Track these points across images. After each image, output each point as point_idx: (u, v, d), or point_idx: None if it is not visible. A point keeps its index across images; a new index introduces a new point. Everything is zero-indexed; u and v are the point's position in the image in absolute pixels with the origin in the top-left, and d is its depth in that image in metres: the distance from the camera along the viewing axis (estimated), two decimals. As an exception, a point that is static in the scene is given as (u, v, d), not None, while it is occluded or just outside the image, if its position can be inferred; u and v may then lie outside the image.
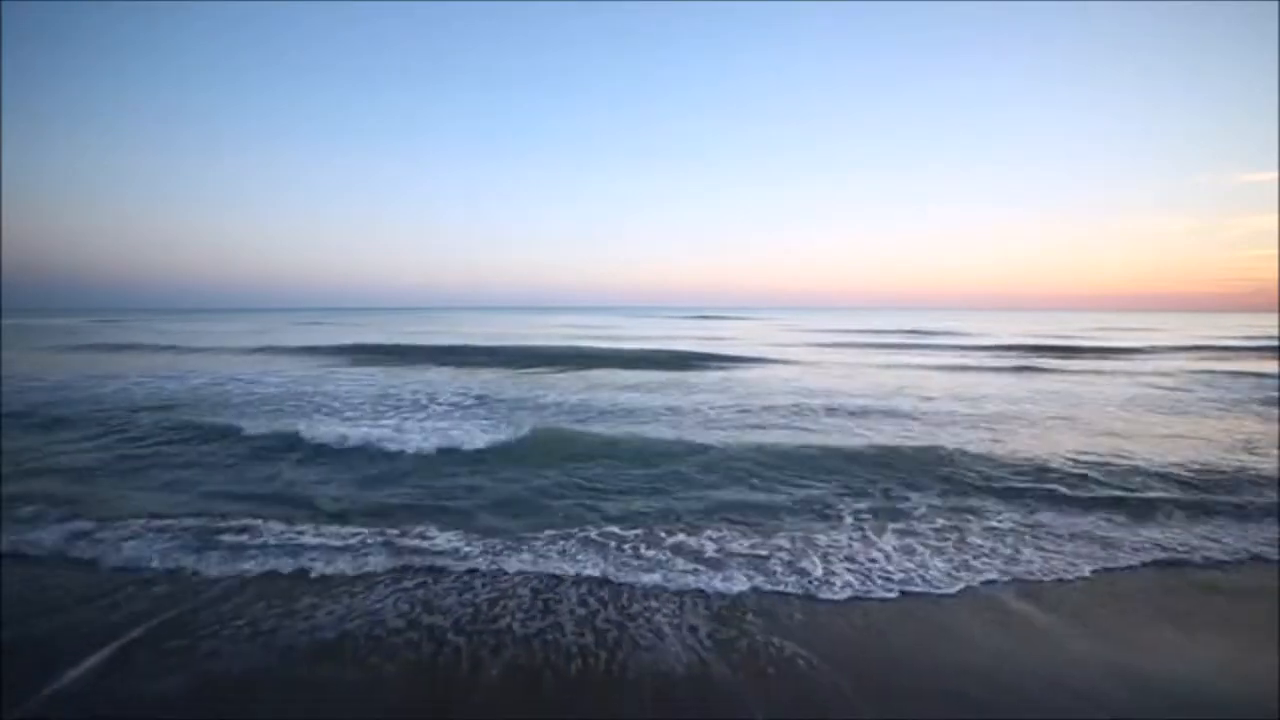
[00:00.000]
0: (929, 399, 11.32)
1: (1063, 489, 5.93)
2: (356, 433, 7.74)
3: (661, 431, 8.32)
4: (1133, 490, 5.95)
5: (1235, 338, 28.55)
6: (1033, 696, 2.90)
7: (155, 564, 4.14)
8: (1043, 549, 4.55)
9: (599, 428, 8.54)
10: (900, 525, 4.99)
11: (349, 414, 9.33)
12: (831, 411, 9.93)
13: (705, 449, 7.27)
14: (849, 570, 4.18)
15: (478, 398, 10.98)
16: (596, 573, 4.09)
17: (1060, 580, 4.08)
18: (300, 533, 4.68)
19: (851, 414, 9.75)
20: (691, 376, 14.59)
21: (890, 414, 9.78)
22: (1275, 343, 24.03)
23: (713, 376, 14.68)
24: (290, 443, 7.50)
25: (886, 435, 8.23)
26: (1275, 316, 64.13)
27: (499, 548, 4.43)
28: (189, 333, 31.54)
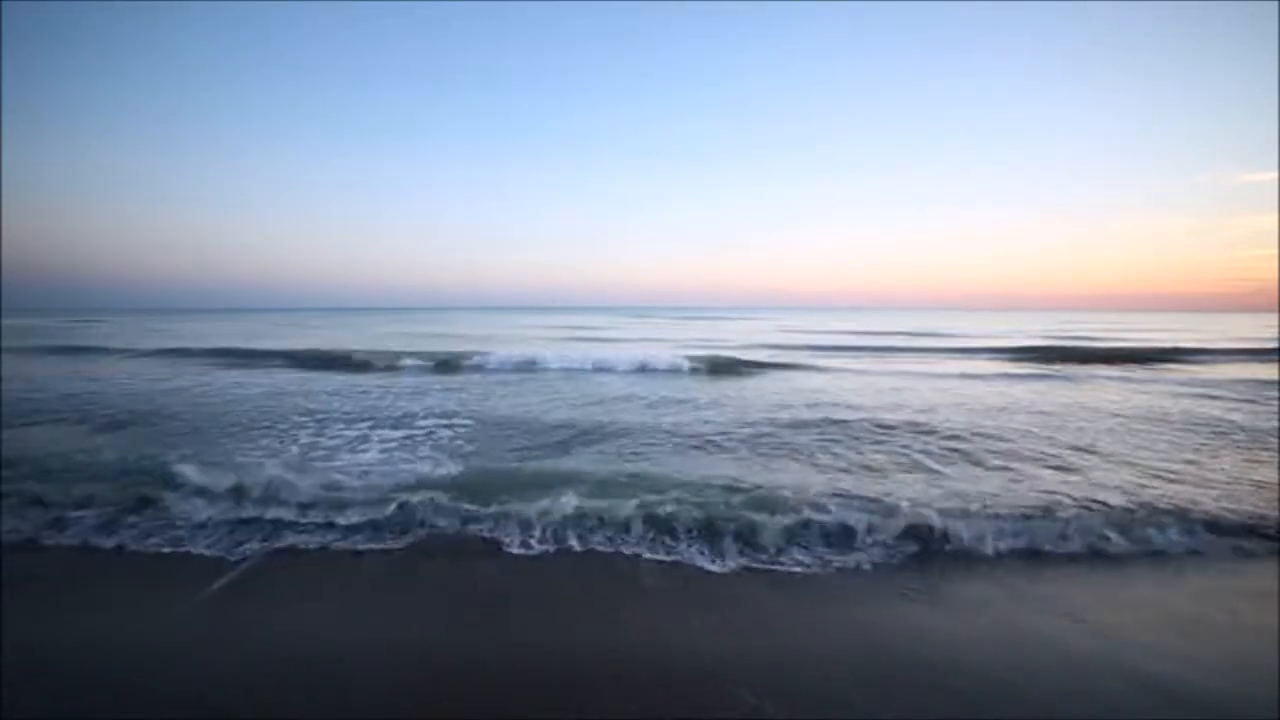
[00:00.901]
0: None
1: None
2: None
3: (620, 465, 6.63)
4: None
5: (1270, 339, 25.93)
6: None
7: None
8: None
9: (549, 463, 6.73)
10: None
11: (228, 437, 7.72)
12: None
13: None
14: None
15: (422, 418, 9.07)
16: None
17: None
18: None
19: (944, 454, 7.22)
20: (682, 385, 13.38)
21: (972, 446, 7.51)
22: None
23: (704, 385, 13.46)
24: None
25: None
26: (1275, 316, 64.19)
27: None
28: (158, 333, 30.06)
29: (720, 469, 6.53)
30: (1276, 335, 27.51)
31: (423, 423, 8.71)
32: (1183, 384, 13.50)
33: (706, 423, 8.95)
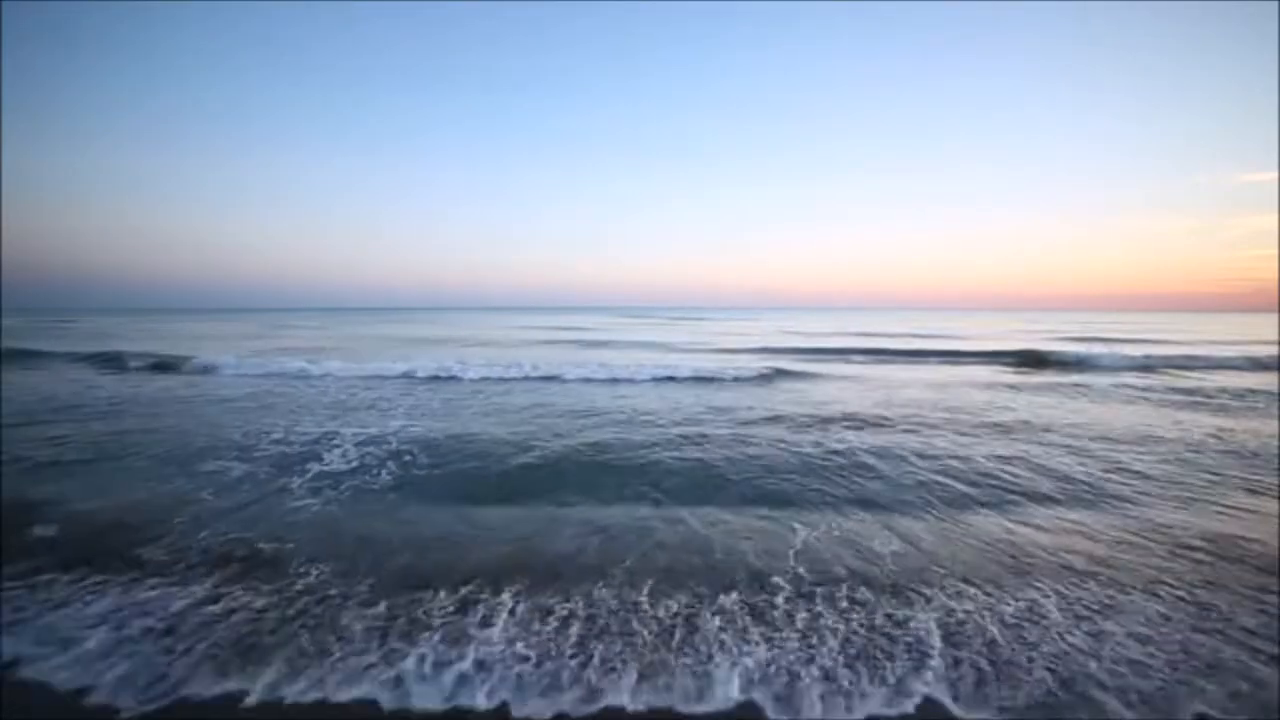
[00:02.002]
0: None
1: None
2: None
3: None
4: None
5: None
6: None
7: None
8: None
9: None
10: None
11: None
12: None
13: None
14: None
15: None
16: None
17: None
18: None
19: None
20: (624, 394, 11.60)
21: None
22: None
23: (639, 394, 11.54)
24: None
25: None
26: (1276, 316, 64.10)
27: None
28: (106, 335, 28.89)
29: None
30: None
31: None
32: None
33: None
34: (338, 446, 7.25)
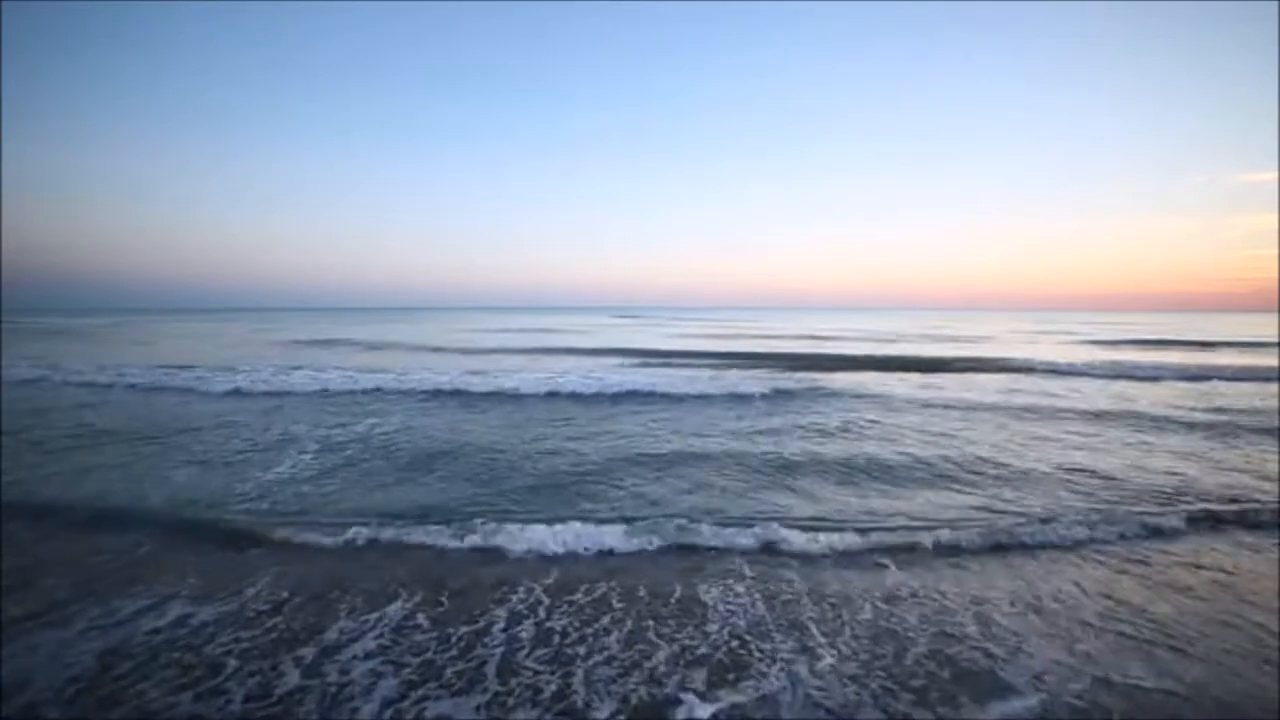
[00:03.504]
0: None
1: None
2: None
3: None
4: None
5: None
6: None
7: None
8: None
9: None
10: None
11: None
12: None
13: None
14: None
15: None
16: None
17: None
18: None
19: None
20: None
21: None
22: None
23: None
24: None
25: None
26: (1275, 316, 64.09)
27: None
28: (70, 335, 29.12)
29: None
30: None
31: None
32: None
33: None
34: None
